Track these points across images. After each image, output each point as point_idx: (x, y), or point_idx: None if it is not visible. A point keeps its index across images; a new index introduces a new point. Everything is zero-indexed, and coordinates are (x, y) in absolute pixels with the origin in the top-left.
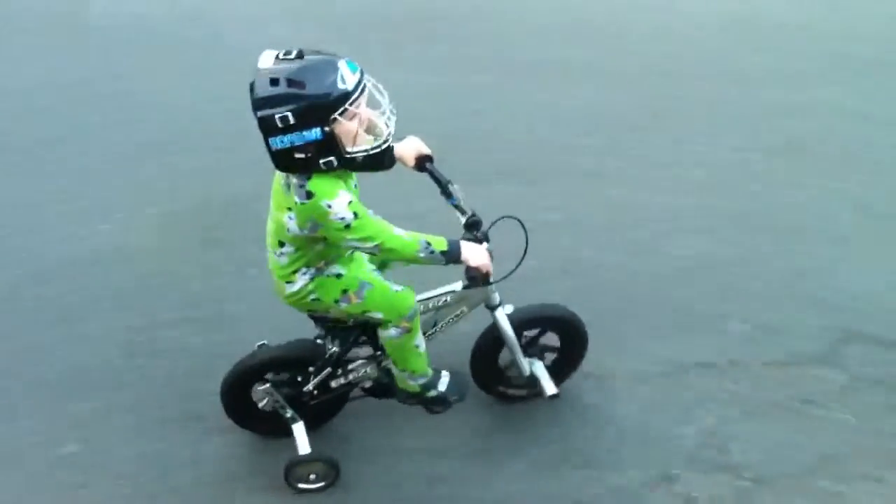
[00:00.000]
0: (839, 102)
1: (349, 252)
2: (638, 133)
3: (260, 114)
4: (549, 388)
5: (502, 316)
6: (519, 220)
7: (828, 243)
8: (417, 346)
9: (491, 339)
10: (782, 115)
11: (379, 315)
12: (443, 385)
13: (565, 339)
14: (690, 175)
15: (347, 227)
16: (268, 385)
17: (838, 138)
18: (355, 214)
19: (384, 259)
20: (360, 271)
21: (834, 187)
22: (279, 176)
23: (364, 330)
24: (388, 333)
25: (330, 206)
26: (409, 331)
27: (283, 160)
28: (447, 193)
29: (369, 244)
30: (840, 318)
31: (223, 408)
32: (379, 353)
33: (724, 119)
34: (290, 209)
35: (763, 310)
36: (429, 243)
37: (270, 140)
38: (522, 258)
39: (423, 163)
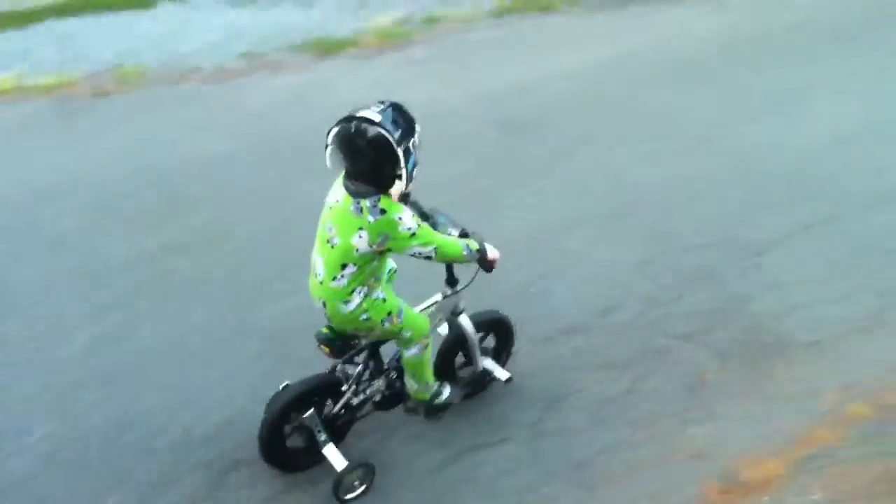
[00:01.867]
0: None
1: (388, 271)
2: None
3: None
4: (503, 374)
5: (467, 320)
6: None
7: None
8: (428, 360)
9: (448, 347)
10: None
11: (409, 333)
12: (446, 392)
13: (500, 337)
14: None
15: (413, 235)
16: (312, 410)
17: None
18: (417, 224)
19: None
20: (396, 300)
21: None
22: (343, 205)
23: (372, 351)
24: (411, 352)
25: (400, 218)
26: (426, 346)
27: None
28: (433, 219)
29: (429, 248)
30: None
31: (262, 451)
32: (386, 368)
33: None
34: (361, 228)
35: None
36: (467, 244)
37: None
38: (476, 272)
39: (404, 199)
